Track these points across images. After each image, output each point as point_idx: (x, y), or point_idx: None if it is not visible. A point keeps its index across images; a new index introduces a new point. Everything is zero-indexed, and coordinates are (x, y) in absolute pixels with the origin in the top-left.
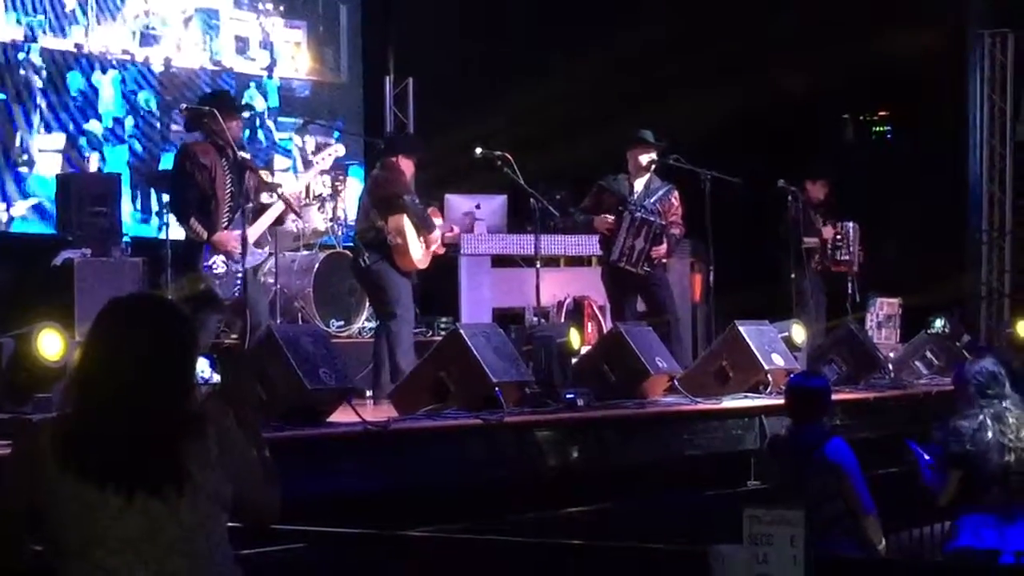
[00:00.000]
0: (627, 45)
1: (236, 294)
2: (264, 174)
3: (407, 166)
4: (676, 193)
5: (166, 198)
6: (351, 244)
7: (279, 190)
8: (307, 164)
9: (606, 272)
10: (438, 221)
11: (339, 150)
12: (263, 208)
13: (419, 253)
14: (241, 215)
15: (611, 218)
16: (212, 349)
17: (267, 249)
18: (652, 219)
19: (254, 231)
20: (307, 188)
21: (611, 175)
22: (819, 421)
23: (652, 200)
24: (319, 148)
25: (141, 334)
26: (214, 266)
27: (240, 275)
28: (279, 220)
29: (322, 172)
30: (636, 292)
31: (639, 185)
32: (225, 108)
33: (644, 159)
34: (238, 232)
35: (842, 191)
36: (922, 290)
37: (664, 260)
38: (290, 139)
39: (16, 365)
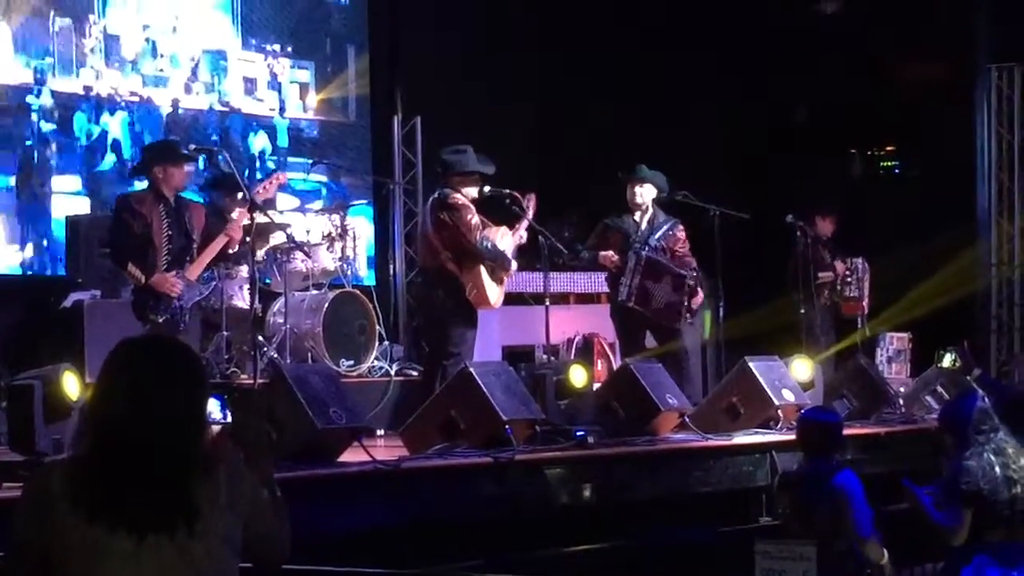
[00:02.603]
0: (632, 79)
1: (182, 329)
2: (273, 213)
3: (468, 191)
4: (681, 227)
5: None
6: (421, 279)
7: (288, 230)
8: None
9: (614, 311)
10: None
11: (281, 178)
12: (205, 244)
13: (495, 295)
14: (180, 254)
15: (614, 255)
16: (223, 389)
17: (212, 284)
18: (683, 272)
19: (195, 268)
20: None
21: (616, 214)
22: (830, 455)
23: (657, 236)
24: (264, 178)
25: (152, 375)
26: (160, 308)
27: (185, 312)
28: (223, 253)
29: (268, 203)
30: (645, 329)
31: (643, 222)
32: (169, 157)
33: (641, 194)
34: (176, 272)
35: (850, 226)
36: (932, 324)
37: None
38: (303, 180)
39: (45, 406)
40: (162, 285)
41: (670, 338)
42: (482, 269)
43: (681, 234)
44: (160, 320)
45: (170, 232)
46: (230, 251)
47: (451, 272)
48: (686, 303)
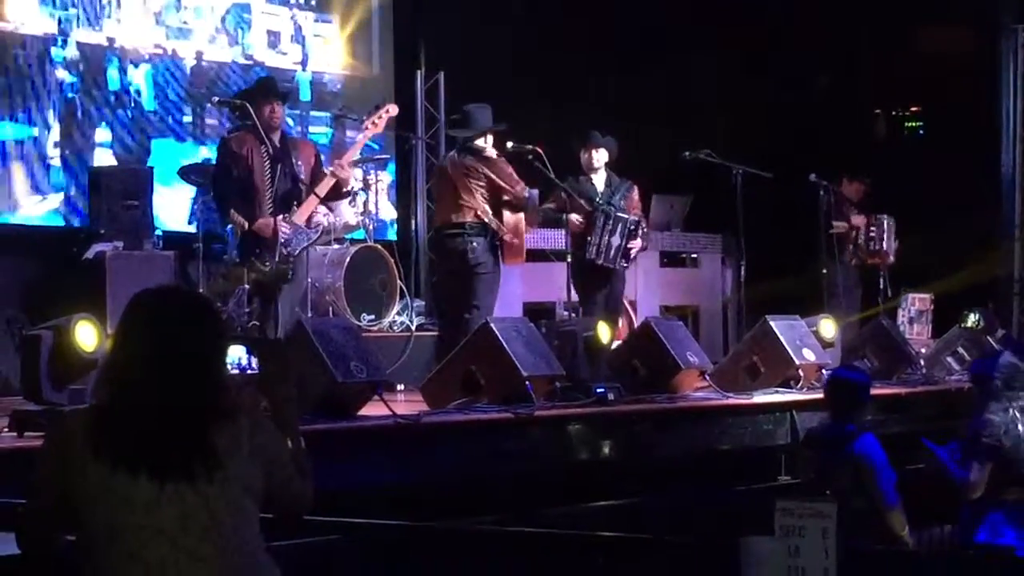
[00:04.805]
0: (657, 39)
1: (290, 277)
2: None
3: (492, 143)
4: (636, 188)
5: (192, 192)
6: (449, 233)
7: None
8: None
9: (576, 267)
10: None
11: (391, 110)
12: (316, 184)
13: (524, 247)
14: (287, 197)
15: (580, 218)
16: (250, 341)
17: (321, 227)
18: (625, 216)
19: (304, 210)
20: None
21: (572, 176)
22: (855, 415)
23: (617, 197)
24: (371, 112)
25: (169, 324)
26: (266, 255)
27: (292, 257)
28: (336, 192)
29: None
30: (603, 287)
31: (600, 184)
32: (262, 95)
33: (598, 159)
34: (282, 216)
35: (874, 187)
36: (954, 285)
37: (638, 253)
38: (324, 133)
39: (55, 356)
40: (264, 231)
41: (616, 300)
42: (521, 220)
43: (636, 196)
44: (265, 267)
45: (273, 174)
46: (344, 190)
47: (487, 223)
48: (624, 245)
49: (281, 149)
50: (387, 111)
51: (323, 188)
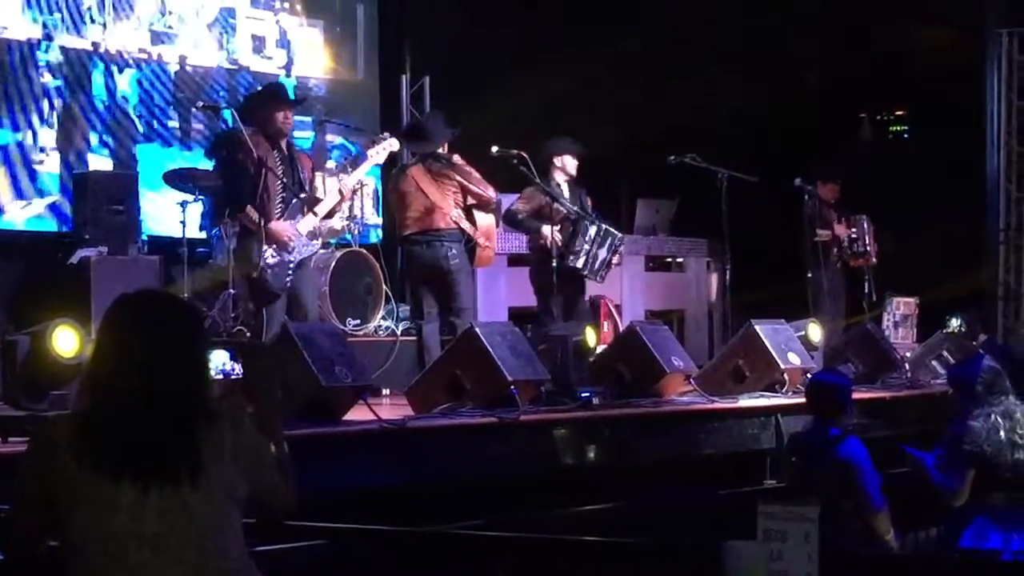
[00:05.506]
0: (645, 40)
1: (288, 284)
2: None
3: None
4: (588, 198)
5: (183, 196)
6: (429, 240)
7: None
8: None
9: (547, 272)
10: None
11: (393, 144)
12: (317, 200)
13: (494, 251)
14: (295, 206)
15: (559, 234)
16: (235, 345)
17: (319, 240)
18: (615, 232)
19: (307, 222)
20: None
21: (544, 181)
22: (837, 419)
23: (583, 206)
24: (372, 143)
25: (149, 330)
26: (266, 256)
27: (292, 266)
28: (331, 213)
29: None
30: (564, 293)
31: (566, 191)
32: (275, 101)
33: (575, 166)
34: (292, 223)
35: (859, 191)
36: (939, 289)
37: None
38: (307, 138)
39: (32, 362)
40: (281, 233)
41: (577, 309)
42: (492, 224)
43: (589, 204)
44: (268, 269)
45: (284, 179)
46: (336, 211)
47: (463, 229)
48: (608, 259)
49: (290, 156)
50: (390, 145)
51: (325, 206)
